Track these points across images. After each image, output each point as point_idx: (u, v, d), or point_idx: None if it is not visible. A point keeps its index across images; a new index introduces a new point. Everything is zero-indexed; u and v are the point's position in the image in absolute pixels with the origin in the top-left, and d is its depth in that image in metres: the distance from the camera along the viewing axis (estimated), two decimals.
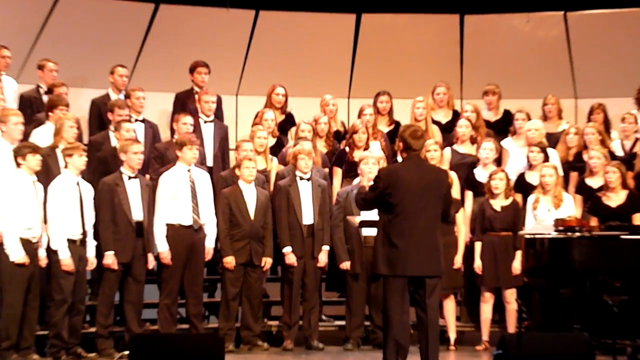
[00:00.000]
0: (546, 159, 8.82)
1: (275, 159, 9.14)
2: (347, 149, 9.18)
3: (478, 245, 8.55)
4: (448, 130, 9.47)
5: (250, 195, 8.46)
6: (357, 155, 8.92)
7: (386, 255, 6.70)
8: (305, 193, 8.55)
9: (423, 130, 7.22)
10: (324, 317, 9.13)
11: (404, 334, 6.76)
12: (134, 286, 8.15)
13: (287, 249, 8.50)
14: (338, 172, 9.16)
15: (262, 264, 8.49)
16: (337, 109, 9.86)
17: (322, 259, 8.58)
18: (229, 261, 8.36)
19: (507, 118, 9.72)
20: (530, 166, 8.88)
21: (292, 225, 8.53)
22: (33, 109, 9.09)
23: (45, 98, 9.08)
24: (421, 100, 9.53)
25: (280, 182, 8.69)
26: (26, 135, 8.30)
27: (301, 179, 8.57)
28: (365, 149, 8.96)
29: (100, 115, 9.23)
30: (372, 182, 6.96)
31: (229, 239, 8.39)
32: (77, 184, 7.83)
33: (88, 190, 7.94)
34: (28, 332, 7.55)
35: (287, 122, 9.74)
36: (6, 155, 7.72)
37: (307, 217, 8.54)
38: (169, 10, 10.37)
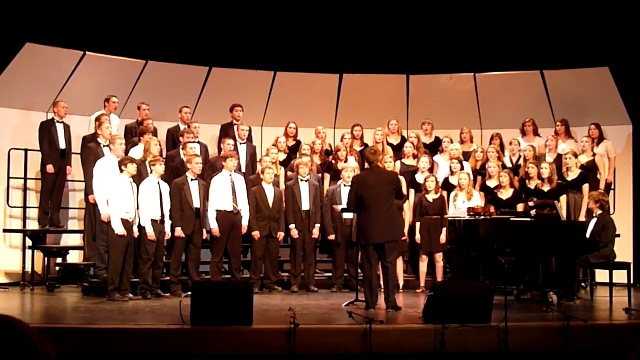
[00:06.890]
0: (462, 168, 8.78)
1: (282, 168, 8.99)
2: (333, 162, 9.10)
3: (418, 225, 8.50)
4: (399, 150, 9.37)
5: (270, 192, 8.41)
6: (340, 166, 8.89)
7: (363, 231, 6.80)
8: (304, 190, 8.48)
9: (378, 149, 7.30)
10: (317, 271, 9.05)
11: (374, 281, 6.87)
12: (195, 250, 8.11)
13: (292, 226, 8.47)
14: (327, 177, 9.07)
15: (278, 236, 8.43)
16: (327, 135, 9.78)
17: (316, 232, 8.53)
18: (256, 234, 8.31)
19: (438, 141, 9.61)
20: (452, 173, 8.82)
21: (296, 211, 8.46)
22: (133, 134, 9.06)
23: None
24: (380, 130, 9.44)
25: (288, 182, 8.67)
26: (126, 152, 8.25)
27: (302, 180, 8.49)
28: (345, 162, 8.91)
29: (173, 139, 9.19)
30: (350, 186, 6.98)
31: (255, 220, 8.32)
32: (159, 183, 7.81)
33: (165, 188, 7.91)
34: (126, 280, 7.56)
35: (297, 146, 9.51)
36: (113, 165, 7.72)
37: (306, 205, 8.47)
38: (218, 71, 10.23)
